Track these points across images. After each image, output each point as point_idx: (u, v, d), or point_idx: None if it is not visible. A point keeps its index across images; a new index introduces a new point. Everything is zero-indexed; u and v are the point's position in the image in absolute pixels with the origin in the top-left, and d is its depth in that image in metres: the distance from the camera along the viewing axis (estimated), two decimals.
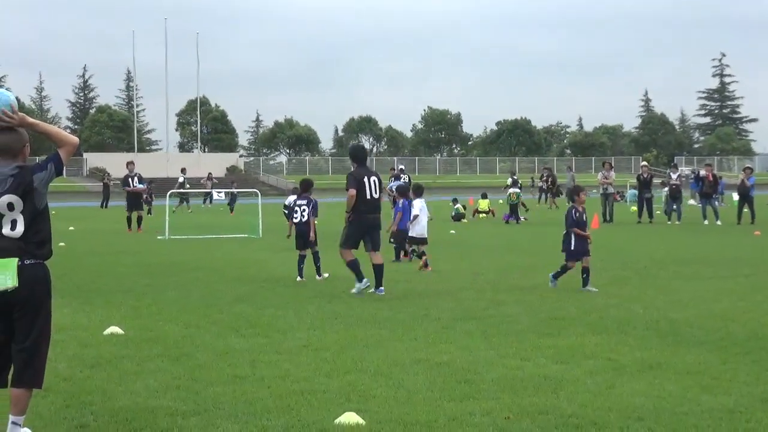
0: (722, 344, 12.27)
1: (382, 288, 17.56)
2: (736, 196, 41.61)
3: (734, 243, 28.86)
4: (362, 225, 17.63)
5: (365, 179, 17.57)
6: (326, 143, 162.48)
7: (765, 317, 14.52)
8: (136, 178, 36.57)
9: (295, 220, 20.24)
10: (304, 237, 19.92)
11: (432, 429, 8.31)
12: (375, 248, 17.71)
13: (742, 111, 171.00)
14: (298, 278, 19.46)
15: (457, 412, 8.81)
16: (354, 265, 17.55)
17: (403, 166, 62.36)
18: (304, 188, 20.67)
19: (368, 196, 17.49)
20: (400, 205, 22.76)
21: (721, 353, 11.67)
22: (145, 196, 42.38)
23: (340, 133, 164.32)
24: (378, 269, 17.60)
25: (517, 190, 42.72)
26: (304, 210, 19.92)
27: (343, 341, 12.46)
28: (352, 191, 17.32)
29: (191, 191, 62.96)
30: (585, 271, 17.71)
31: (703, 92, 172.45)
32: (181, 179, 60.90)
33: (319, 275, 19.88)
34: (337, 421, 8.36)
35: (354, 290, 17.51)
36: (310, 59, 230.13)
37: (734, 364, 11.05)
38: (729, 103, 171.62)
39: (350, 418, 8.36)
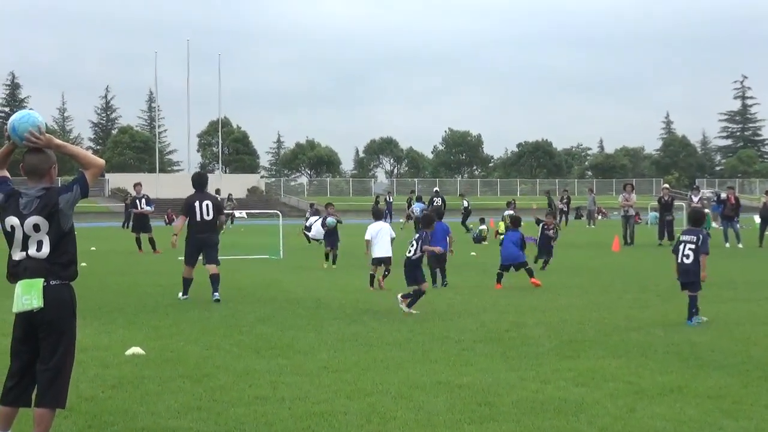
0: (744, 368, 12.24)
1: (217, 294, 19.62)
2: (757, 219, 41.51)
3: (756, 266, 28.78)
4: (195, 243, 19.87)
5: (196, 204, 19.73)
6: (347, 164, 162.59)
7: None
8: (143, 200, 36.68)
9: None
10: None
11: None
12: (210, 262, 19.85)
13: (763, 133, 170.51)
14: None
15: None
16: (186, 282, 20.05)
17: (437, 188, 62.51)
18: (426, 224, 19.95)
19: (198, 218, 19.74)
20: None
21: (743, 377, 11.64)
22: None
23: (361, 155, 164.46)
24: (213, 278, 19.73)
25: (511, 212, 42.49)
26: (412, 245, 18.88)
27: (363, 363, 12.48)
28: (182, 218, 20.10)
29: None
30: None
31: (725, 114, 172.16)
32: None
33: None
34: None
35: (179, 296, 19.98)
36: (331, 79, 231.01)
37: (756, 387, 11.03)
38: (750, 125, 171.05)
39: None
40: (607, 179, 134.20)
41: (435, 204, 48.55)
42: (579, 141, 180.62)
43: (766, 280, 23.82)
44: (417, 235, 18.93)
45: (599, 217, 61.56)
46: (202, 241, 19.84)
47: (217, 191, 63.57)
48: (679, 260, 16.55)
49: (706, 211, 39.75)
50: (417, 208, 48.90)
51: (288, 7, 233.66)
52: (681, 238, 16.82)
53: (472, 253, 35.19)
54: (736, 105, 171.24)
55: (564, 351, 13.49)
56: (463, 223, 53.50)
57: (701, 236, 16.51)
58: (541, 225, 27.64)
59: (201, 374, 11.65)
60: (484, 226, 43.97)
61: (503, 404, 10.07)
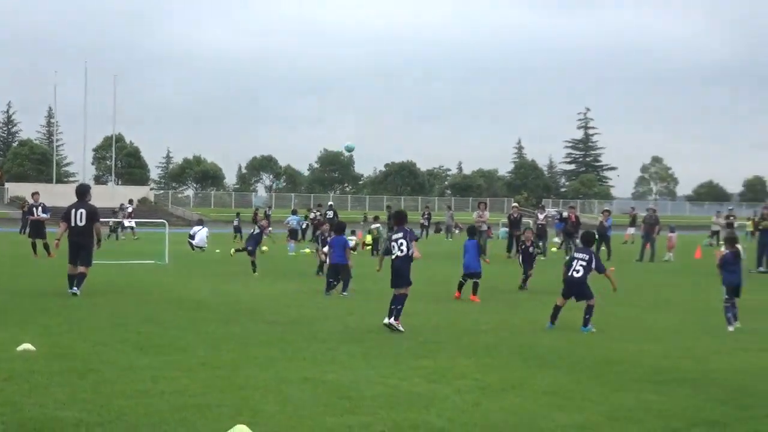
0: (576, 368, 12.50)
1: (77, 289, 20.20)
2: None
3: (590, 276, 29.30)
4: (71, 246, 20.64)
5: (72, 211, 20.74)
6: (230, 179, 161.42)
7: (613, 343, 14.84)
8: (40, 208, 35.87)
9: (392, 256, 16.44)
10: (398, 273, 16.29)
11: None
12: (81, 263, 20.53)
13: (603, 160, 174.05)
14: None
15: (338, 425, 8.85)
16: (70, 278, 20.52)
17: (332, 203, 62.40)
18: (398, 221, 17.10)
19: (73, 224, 20.68)
20: (329, 240, 22.81)
21: (575, 375, 11.89)
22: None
23: (243, 170, 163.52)
24: (80, 276, 20.45)
25: (378, 226, 42.57)
26: (402, 243, 16.32)
27: (237, 360, 12.42)
28: (63, 224, 20.83)
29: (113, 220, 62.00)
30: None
31: (569, 142, 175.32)
32: (129, 209, 59.75)
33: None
34: None
35: (68, 290, 20.28)
36: (217, 100, 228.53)
37: (586, 384, 11.28)
38: (592, 152, 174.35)
39: (241, 430, 8.34)
40: (465, 197, 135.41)
41: (328, 216, 48.67)
42: (441, 162, 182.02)
43: (598, 288, 24.28)
44: (401, 233, 16.40)
45: (456, 231, 62.00)
46: (77, 244, 20.60)
47: (130, 201, 62.49)
48: (570, 274, 17.06)
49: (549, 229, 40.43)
50: (293, 220, 48.71)
51: (179, 31, 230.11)
52: (574, 255, 17.42)
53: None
54: (580, 134, 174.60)
55: (419, 351, 13.61)
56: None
57: (592, 255, 17.12)
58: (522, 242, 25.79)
59: (87, 369, 11.46)
60: (353, 237, 44.01)
61: (362, 398, 10.12)
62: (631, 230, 55.93)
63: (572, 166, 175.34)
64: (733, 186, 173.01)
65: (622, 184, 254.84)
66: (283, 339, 14.57)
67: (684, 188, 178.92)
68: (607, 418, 9.50)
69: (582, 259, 16.95)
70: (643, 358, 13.37)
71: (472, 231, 23.98)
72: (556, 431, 8.90)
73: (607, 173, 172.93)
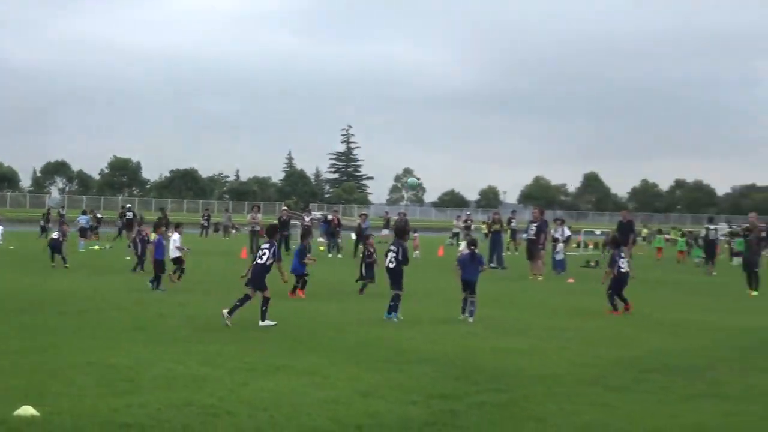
0: (333, 350, 12.67)
1: None
2: (353, 236, 42.95)
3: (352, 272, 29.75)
4: None
5: None
6: (26, 182, 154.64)
7: (362, 328, 15.07)
8: None
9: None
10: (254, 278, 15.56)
11: (95, 418, 8.15)
12: None
13: (362, 170, 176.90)
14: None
15: (119, 404, 8.69)
16: None
17: (163, 207, 60.55)
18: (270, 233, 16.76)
19: None
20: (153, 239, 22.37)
21: (331, 357, 12.04)
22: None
23: (38, 174, 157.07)
24: None
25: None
26: (264, 253, 15.79)
27: (28, 347, 11.98)
28: None
29: None
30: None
31: (334, 154, 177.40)
32: None
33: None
34: (15, 413, 8.05)
35: None
36: (15, 110, 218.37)
37: (340, 365, 11.45)
38: (353, 163, 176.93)
39: (26, 410, 8.07)
40: (241, 201, 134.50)
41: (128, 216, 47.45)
42: (220, 170, 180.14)
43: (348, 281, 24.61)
44: (268, 244, 15.99)
45: (234, 232, 61.52)
46: None
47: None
48: (387, 264, 17.23)
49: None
50: (83, 219, 47.03)
51: None
52: (389, 248, 17.44)
53: (127, 258, 34.35)
54: (343, 147, 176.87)
55: (196, 337, 13.49)
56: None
57: (401, 248, 17.23)
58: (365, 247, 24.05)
59: None
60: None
61: (142, 380, 9.97)
62: (385, 231, 56.92)
63: (336, 175, 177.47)
64: (471, 194, 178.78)
65: (378, 191, 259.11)
66: (74, 326, 14.18)
67: (430, 196, 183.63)
68: (357, 393, 9.69)
69: (394, 252, 17.17)
70: (390, 342, 13.67)
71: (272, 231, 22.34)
72: (313, 405, 9.01)
73: (366, 182, 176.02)
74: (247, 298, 15.38)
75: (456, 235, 56.04)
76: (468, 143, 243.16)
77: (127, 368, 10.63)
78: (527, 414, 9.03)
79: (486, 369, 11.56)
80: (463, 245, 30.03)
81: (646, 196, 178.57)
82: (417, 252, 39.82)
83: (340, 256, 38.81)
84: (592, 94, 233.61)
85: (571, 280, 28.08)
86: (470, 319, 16.79)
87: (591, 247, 52.97)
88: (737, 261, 35.79)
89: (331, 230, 40.77)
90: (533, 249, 29.57)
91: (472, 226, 55.44)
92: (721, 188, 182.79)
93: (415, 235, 41.73)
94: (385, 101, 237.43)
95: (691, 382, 11.11)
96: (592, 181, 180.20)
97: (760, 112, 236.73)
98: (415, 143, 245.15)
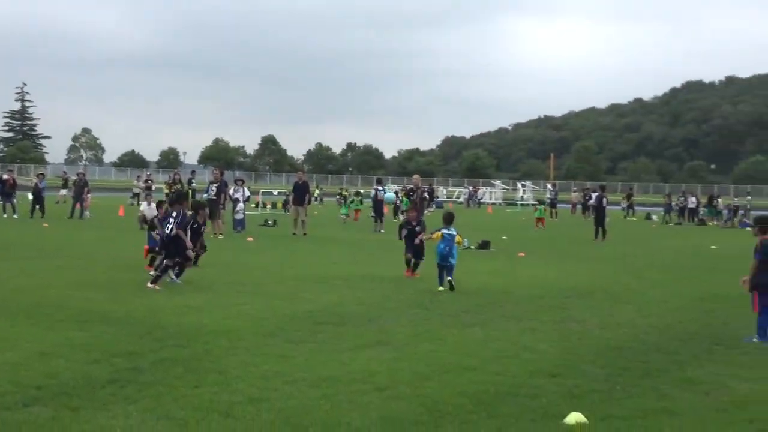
0: (11, 312, 12.13)
1: None
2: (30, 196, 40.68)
3: (29, 232, 28.41)
4: None
5: None
6: None
7: (40, 290, 14.47)
8: None
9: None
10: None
11: None
12: None
13: (38, 129, 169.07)
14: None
15: None
16: None
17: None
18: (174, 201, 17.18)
19: None
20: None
21: (10, 320, 11.55)
22: None
23: None
24: None
25: None
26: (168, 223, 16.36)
27: None
28: None
29: None
30: None
31: (8, 113, 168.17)
32: None
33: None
34: None
35: None
36: None
37: (21, 327, 11.03)
38: (28, 122, 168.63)
39: None
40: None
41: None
42: None
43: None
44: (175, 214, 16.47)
45: None
46: None
47: None
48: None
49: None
50: None
51: None
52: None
53: None
54: (17, 106, 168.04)
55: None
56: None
57: (180, 214, 16.43)
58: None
59: None
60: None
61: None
62: (63, 192, 54.58)
63: (10, 134, 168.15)
64: (152, 155, 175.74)
65: (55, 150, 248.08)
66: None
67: (110, 156, 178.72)
68: (38, 354, 9.40)
69: (174, 217, 16.44)
70: (70, 302, 13.25)
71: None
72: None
73: (42, 141, 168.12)
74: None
75: (136, 195, 54.70)
76: (147, 104, 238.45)
77: None
78: (209, 367, 9.14)
79: (169, 326, 11.51)
80: (144, 205, 29.58)
81: (320, 159, 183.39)
82: (87, 212, 38.42)
83: (15, 216, 36.85)
84: (270, 59, 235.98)
85: (250, 239, 28.40)
86: (178, 280, 16.42)
87: (269, 206, 53.79)
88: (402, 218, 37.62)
89: (7, 191, 38.50)
90: (214, 208, 29.60)
91: (153, 186, 54.39)
92: (389, 152, 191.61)
93: (88, 196, 39.87)
94: (59, 60, 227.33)
95: (361, 331, 11.68)
96: (269, 144, 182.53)
97: (414, 83, 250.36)
98: (92, 103, 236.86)
